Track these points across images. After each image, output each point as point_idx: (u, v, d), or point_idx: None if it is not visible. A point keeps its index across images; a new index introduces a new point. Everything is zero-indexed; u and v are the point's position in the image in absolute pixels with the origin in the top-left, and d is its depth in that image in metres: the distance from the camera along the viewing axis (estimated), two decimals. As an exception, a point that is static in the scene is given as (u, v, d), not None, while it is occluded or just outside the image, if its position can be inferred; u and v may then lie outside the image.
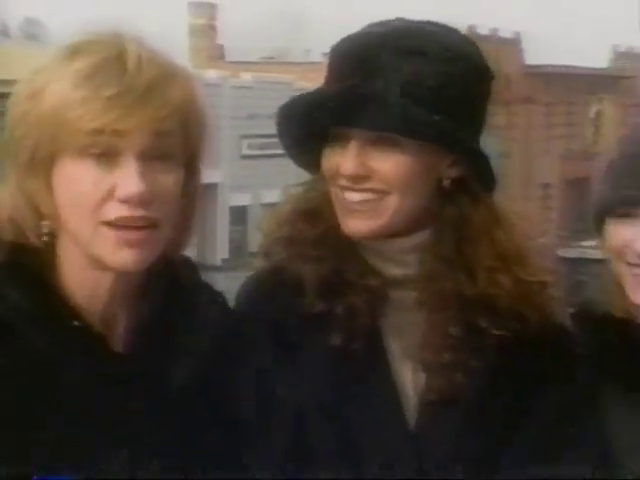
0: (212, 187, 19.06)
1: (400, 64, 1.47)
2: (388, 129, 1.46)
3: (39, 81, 1.22)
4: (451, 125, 1.47)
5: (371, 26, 1.55)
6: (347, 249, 1.54)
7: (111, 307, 1.29)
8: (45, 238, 1.26)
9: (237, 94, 20.73)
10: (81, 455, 1.24)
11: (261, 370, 1.50)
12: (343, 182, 1.50)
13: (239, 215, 20.37)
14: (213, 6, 28.55)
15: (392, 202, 1.49)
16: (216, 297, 1.46)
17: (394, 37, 1.49)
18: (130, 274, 1.27)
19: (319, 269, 1.52)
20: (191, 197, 1.32)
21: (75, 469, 1.24)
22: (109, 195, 1.20)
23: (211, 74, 21.10)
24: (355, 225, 1.51)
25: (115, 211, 1.20)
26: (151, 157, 1.21)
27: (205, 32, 27.76)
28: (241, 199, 20.67)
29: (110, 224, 1.21)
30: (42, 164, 1.22)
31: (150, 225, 1.22)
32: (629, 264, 1.61)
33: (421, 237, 1.54)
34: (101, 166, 1.20)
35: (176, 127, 1.23)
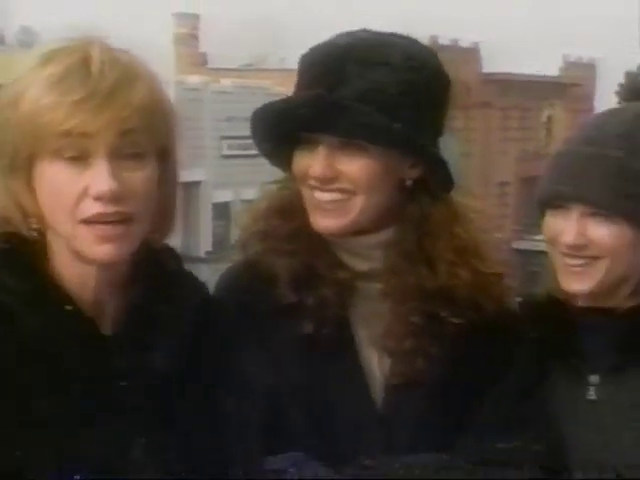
0: (195, 185, 18.97)
1: (364, 73, 1.46)
2: (352, 136, 1.46)
3: (18, 88, 1.23)
4: (412, 131, 1.47)
5: (339, 37, 1.54)
6: (318, 244, 1.54)
7: (99, 294, 1.28)
8: (34, 233, 1.26)
9: (218, 98, 20.62)
10: (69, 433, 1.23)
11: (237, 353, 1.50)
12: (313, 183, 1.50)
13: (221, 211, 20.27)
14: (196, 17, 28.40)
15: (358, 201, 1.49)
16: (197, 285, 1.45)
17: (359, 48, 1.49)
18: (113, 264, 1.27)
19: (292, 263, 1.52)
20: (168, 189, 1.31)
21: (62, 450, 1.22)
22: (84, 194, 1.20)
23: (194, 79, 20.98)
24: (324, 222, 1.51)
25: (90, 208, 1.20)
26: (120, 156, 1.21)
27: (188, 41, 27.60)
28: (223, 196, 20.58)
29: (87, 221, 1.21)
30: (22, 167, 1.23)
31: (125, 220, 1.22)
32: (561, 253, 1.63)
33: (386, 234, 1.54)
34: (75, 167, 1.21)
35: (141, 125, 1.22)
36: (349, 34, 1.53)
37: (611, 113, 1.73)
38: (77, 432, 1.23)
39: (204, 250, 19.48)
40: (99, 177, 1.20)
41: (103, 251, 1.22)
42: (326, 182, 1.48)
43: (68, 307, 1.25)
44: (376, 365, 1.54)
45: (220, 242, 19.37)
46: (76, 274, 1.27)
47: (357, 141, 1.46)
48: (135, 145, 1.23)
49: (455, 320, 1.52)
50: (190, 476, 1.30)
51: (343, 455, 1.47)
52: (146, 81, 1.25)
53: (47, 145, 1.20)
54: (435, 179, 1.53)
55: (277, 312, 1.52)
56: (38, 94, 1.21)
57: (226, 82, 21.96)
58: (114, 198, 1.20)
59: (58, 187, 1.21)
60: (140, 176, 1.23)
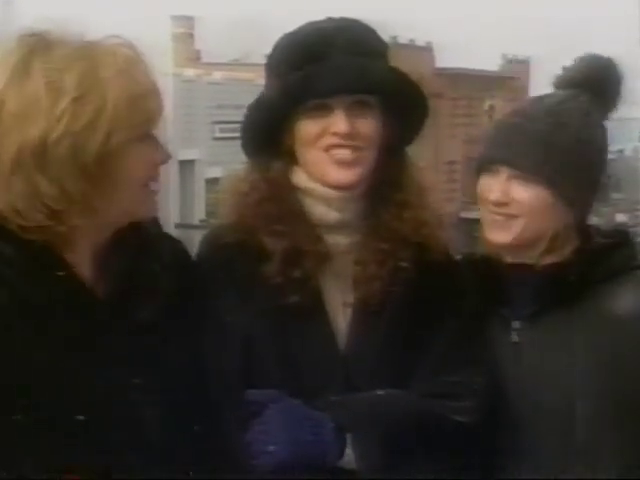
0: (191, 163, 18.81)
1: (358, 43, 1.49)
2: (382, 92, 1.50)
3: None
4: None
5: (323, 22, 1.54)
6: (303, 223, 1.54)
7: (94, 259, 1.26)
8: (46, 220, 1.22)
9: (210, 89, 20.38)
10: (70, 381, 1.20)
11: (218, 304, 1.48)
12: (334, 141, 1.49)
13: (213, 185, 20.14)
14: (191, 18, 28.07)
15: (367, 155, 1.52)
16: (176, 244, 1.44)
17: (346, 27, 1.51)
18: (104, 231, 1.25)
19: (283, 244, 1.51)
20: None
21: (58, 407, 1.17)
22: None
23: (189, 72, 20.74)
24: (341, 175, 1.51)
25: None
26: None
27: (184, 39, 27.24)
28: (214, 172, 20.43)
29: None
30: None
31: None
32: (488, 210, 1.69)
33: (364, 187, 1.56)
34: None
35: None
36: (325, 20, 1.55)
37: (541, 97, 1.77)
38: (77, 379, 1.20)
39: (198, 219, 19.37)
40: None
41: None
42: (348, 138, 1.49)
43: (60, 273, 1.22)
44: (341, 316, 1.55)
45: (212, 212, 19.24)
46: (79, 246, 1.25)
47: (367, 99, 1.49)
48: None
49: (409, 262, 1.54)
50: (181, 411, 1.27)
51: (309, 393, 1.47)
52: None
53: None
54: (403, 131, 1.57)
55: (259, 279, 1.51)
56: None
57: (217, 75, 21.69)
58: None
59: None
60: None
